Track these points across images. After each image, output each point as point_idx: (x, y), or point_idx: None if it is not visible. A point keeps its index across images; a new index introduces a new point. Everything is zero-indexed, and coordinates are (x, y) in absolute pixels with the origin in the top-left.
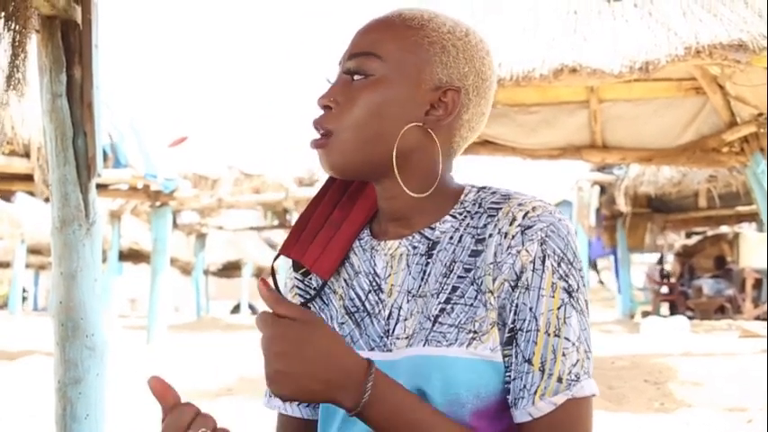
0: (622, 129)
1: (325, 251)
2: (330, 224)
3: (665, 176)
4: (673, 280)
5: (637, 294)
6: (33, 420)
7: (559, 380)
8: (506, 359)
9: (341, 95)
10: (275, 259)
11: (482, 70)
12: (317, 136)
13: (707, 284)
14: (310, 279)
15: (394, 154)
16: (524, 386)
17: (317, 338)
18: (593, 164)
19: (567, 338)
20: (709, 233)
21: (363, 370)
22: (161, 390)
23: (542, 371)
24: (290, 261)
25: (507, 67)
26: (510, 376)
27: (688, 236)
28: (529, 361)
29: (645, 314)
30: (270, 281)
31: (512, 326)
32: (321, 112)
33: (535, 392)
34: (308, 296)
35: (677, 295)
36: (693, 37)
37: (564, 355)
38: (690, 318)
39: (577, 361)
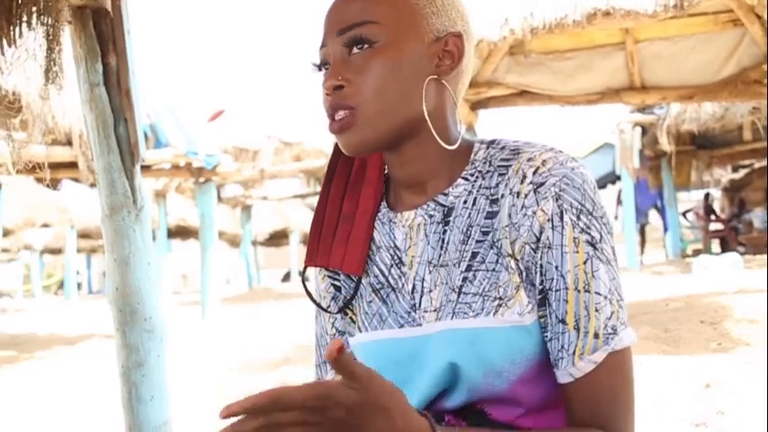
0: (661, 68)
1: (347, 248)
2: (344, 219)
3: (708, 112)
4: (722, 215)
5: (686, 233)
6: (99, 403)
7: (596, 336)
8: (542, 320)
9: (348, 72)
10: (304, 271)
11: (464, 13)
12: (338, 117)
13: (757, 218)
14: None
15: (425, 112)
16: (562, 346)
17: (376, 402)
18: (633, 106)
19: (597, 293)
20: (757, 165)
21: (426, 428)
22: None
23: (577, 329)
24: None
25: (539, 14)
26: (548, 337)
27: (735, 170)
28: (563, 321)
29: (696, 252)
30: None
31: (540, 287)
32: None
33: (574, 352)
34: (335, 280)
35: (728, 231)
36: None
37: (597, 310)
38: (742, 253)
39: (612, 313)
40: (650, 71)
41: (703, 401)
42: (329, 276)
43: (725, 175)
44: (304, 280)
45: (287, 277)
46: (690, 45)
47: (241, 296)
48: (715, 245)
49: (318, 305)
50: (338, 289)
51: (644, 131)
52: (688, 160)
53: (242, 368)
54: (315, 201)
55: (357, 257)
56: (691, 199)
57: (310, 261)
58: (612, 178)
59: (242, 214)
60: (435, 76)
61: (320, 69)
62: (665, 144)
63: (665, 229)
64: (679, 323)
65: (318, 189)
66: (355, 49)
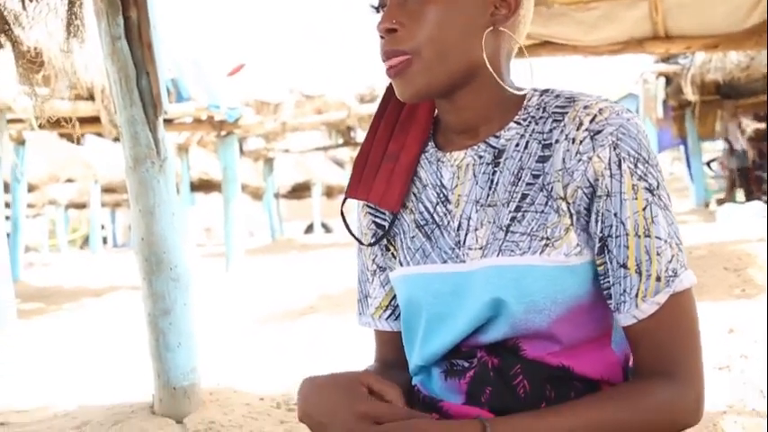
0: (685, 17)
1: (388, 185)
2: (388, 158)
3: (733, 62)
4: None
5: (710, 183)
6: (127, 351)
7: (658, 279)
8: (601, 267)
9: (404, 16)
10: (343, 203)
11: None
12: (392, 63)
13: None
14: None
15: (486, 60)
16: (624, 290)
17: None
18: (657, 55)
19: (657, 237)
20: None
21: (479, 428)
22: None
23: (639, 273)
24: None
25: None
26: (609, 282)
27: (760, 119)
28: (624, 266)
29: (720, 202)
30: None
31: (600, 234)
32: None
33: (636, 295)
34: (377, 217)
35: (753, 180)
36: None
37: (658, 254)
38: (766, 202)
39: (672, 257)
40: (674, 20)
41: (726, 346)
42: (370, 213)
43: (750, 124)
44: (343, 214)
45: (309, 229)
46: None
47: (264, 248)
48: (739, 194)
49: (356, 238)
50: (379, 226)
51: (668, 81)
52: (713, 110)
53: (267, 318)
54: (337, 153)
55: (396, 195)
56: (716, 149)
57: (351, 193)
58: None
59: (264, 167)
60: (492, 26)
61: (378, 11)
62: (690, 94)
63: (691, 179)
64: (703, 270)
65: (341, 141)
66: None
